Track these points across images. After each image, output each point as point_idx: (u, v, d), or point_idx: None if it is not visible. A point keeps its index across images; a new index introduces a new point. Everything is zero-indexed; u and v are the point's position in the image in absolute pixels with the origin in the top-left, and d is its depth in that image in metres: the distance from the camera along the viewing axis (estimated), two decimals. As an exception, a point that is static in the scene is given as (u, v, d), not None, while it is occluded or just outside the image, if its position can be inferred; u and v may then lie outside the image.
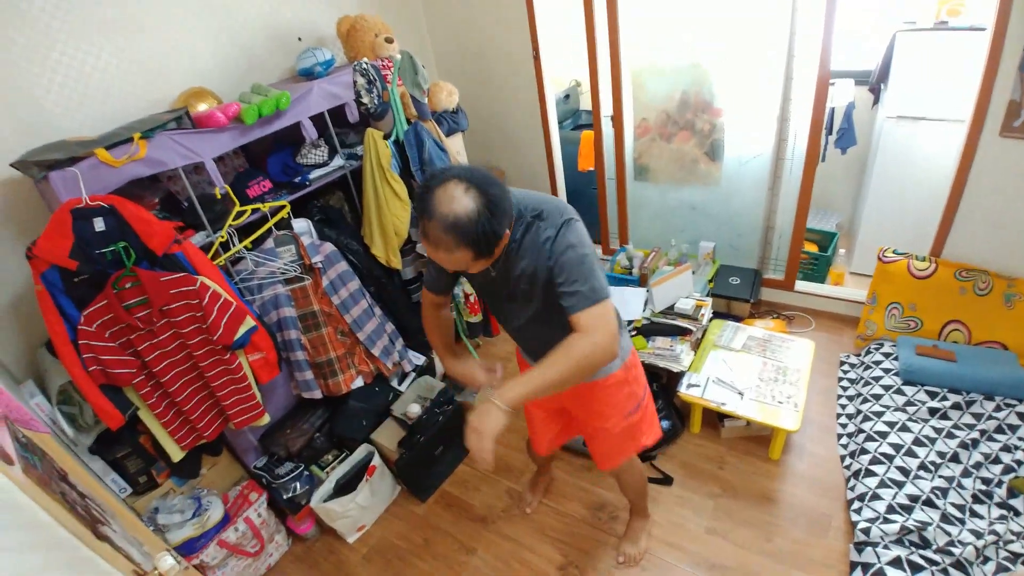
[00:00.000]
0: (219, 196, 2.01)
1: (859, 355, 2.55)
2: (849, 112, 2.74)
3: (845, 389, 2.43)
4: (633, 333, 2.65)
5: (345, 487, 2.29)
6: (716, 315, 2.82)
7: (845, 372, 2.51)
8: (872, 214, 2.90)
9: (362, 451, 2.41)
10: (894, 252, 2.42)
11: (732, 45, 2.53)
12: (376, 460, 2.37)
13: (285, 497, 2.21)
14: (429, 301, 1.59)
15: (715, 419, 2.45)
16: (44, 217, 1.71)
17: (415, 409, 2.48)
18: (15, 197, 1.82)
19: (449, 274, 1.47)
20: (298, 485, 2.25)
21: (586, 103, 3.11)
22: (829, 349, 2.70)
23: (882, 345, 2.45)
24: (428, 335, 1.65)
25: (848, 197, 3.35)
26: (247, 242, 2.12)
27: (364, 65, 2.19)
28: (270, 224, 2.16)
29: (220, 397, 1.99)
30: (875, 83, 2.78)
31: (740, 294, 2.84)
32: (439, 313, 1.63)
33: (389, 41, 2.40)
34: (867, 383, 2.30)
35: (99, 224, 1.67)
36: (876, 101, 2.85)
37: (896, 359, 2.30)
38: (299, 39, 2.59)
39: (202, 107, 2.10)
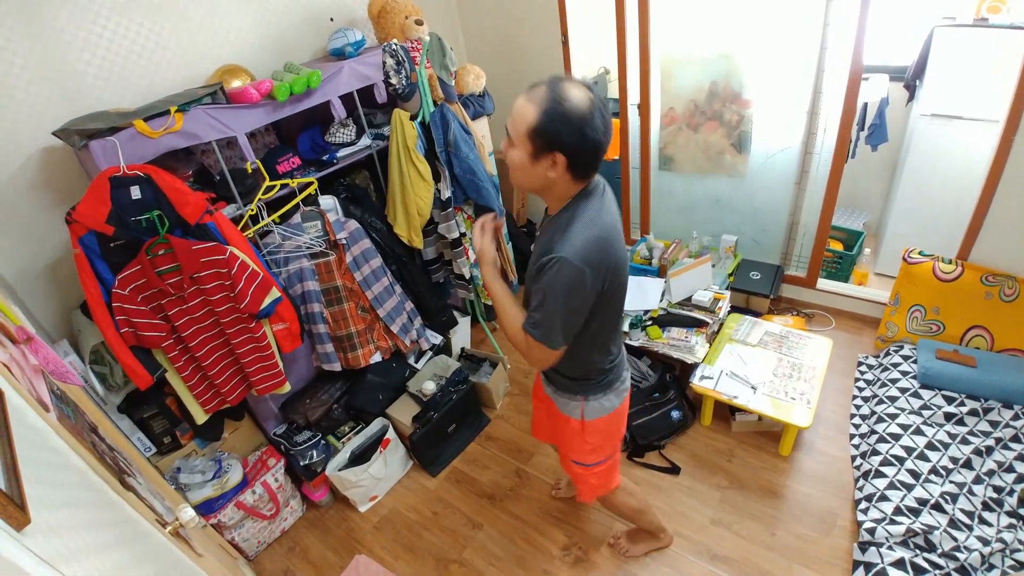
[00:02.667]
0: (250, 171, 2.07)
1: (878, 356, 2.52)
2: (882, 108, 2.68)
3: (861, 390, 2.41)
4: (649, 323, 2.67)
5: (360, 458, 2.37)
6: (734, 309, 2.81)
7: (863, 373, 2.49)
8: (900, 214, 2.84)
9: (377, 424, 2.48)
10: (920, 254, 2.38)
11: (764, 35, 2.48)
12: (391, 434, 2.43)
13: (302, 463, 2.29)
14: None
15: (726, 412, 2.46)
16: (83, 184, 1.78)
17: (430, 386, 2.53)
18: (55, 165, 1.90)
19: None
20: (315, 453, 2.33)
21: (614, 91, 3.08)
22: (848, 349, 2.67)
23: (902, 347, 2.42)
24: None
25: (877, 196, 3.28)
26: (275, 216, 2.19)
27: (394, 46, 2.21)
28: (298, 200, 2.21)
29: (244, 364, 2.06)
30: (911, 79, 2.71)
31: (760, 289, 2.82)
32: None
33: (419, 23, 2.42)
34: (884, 384, 2.28)
35: (135, 192, 1.74)
36: (911, 98, 2.77)
37: (915, 362, 2.27)
38: (331, 19, 2.62)
39: (236, 83, 2.15)
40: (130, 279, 1.78)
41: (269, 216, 2.16)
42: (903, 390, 2.19)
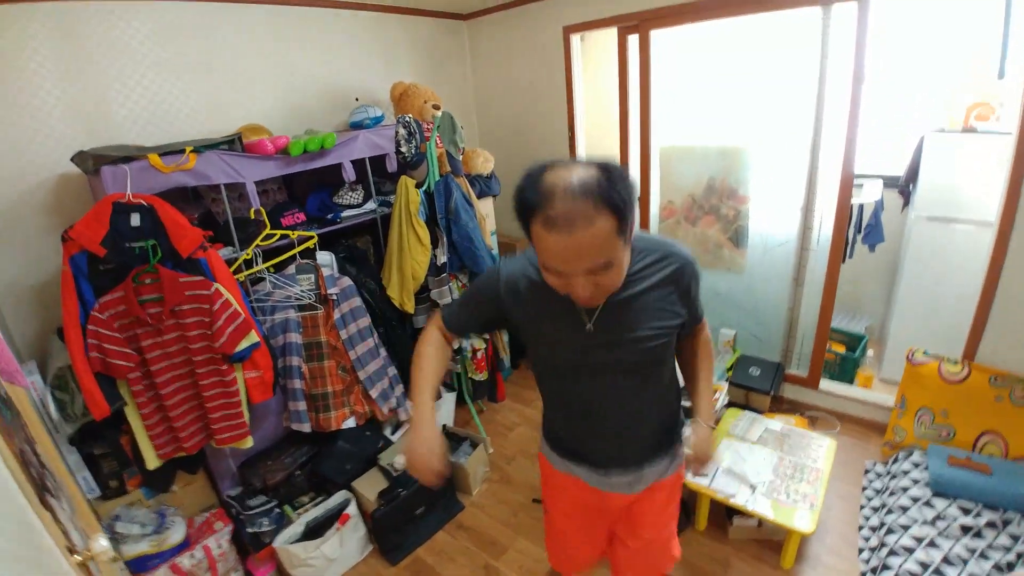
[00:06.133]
0: (252, 215, 2.13)
1: (886, 464, 2.33)
2: (877, 210, 2.74)
3: (869, 499, 2.19)
4: (641, 412, 2.53)
5: (314, 532, 2.15)
6: (732, 405, 2.67)
7: (870, 481, 2.29)
8: (903, 318, 2.79)
9: (339, 497, 2.29)
10: (924, 353, 2.29)
11: (760, 134, 2.63)
12: (352, 509, 2.23)
13: (250, 530, 2.09)
14: (439, 329, 1.27)
15: (723, 516, 2.24)
16: (89, 210, 1.84)
17: (402, 461, 2.36)
18: (66, 192, 1.99)
19: (485, 313, 1.21)
20: (266, 521, 2.13)
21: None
22: (853, 454, 2.48)
23: (911, 453, 2.24)
24: (416, 363, 1.22)
25: (878, 301, 3.25)
26: (270, 264, 2.21)
27: (407, 118, 2.37)
28: (295, 251, 2.25)
29: (209, 409, 1.97)
30: (904, 185, 2.80)
31: (760, 386, 2.70)
32: (443, 344, 1.28)
33: (436, 108, 2.62)
34: (893, 493, 2.08)
35: (135, 219, 1.78)
36: (906, 204, 2.85)
37: (926, 469, 2.08)
38: (356, 99, 2.86)
39: (255, 139, 2.29)
40: (111, 304, 1.77)
41: (265, 264, 2.19)
42: (915, 499, 1.98)
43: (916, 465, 2.15)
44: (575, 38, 3.00)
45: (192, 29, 2.22)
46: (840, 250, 2.52)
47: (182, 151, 1.90)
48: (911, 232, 2.74)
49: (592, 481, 1.26)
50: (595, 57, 3.38)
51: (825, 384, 2.78)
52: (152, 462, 1.92)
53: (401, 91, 2.69)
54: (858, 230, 2.69)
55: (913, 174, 2.67)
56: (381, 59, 2.99)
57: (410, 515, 2.33)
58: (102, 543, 1.18)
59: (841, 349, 2.96)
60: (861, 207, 2.67)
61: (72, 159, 1.78)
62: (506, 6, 3.17)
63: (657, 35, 2.68)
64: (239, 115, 2.40)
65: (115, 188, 1.76)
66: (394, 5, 2.95)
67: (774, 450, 2.29)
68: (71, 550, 1.14)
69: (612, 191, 0.87)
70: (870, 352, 3.00)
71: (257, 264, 2.17)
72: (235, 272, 2.06)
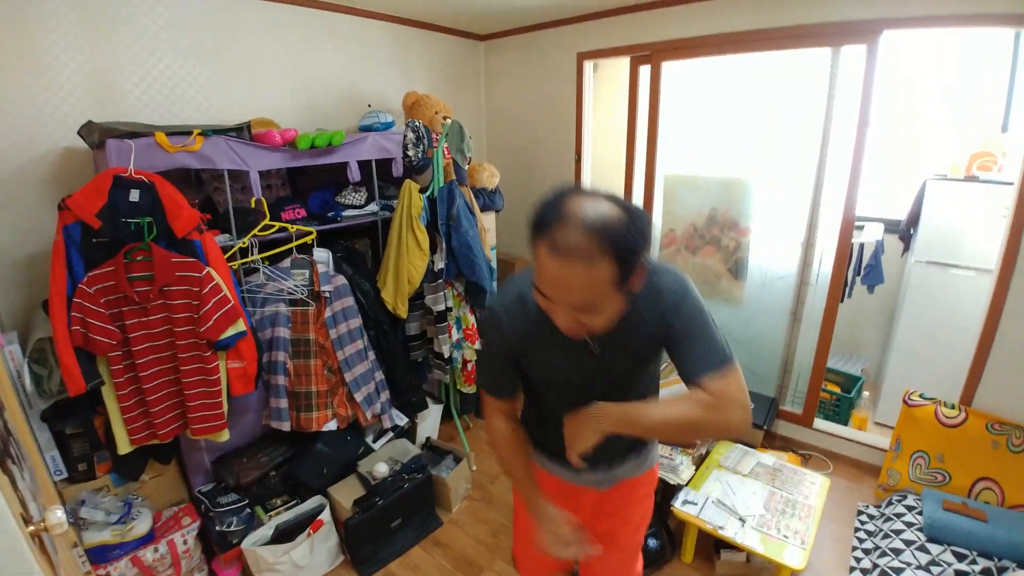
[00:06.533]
0: (253, 204, 2.12)
1: (879, 506, 2.26)
2: (877, 251, 2.75)
3: (862, 541, 2.12)
4: (631, 437, 2.47)
5: (284, 536, 2.06)
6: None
7: (863, 523, 2.22)
8: (900, 360, 2.76)
9: (313, 502, 2.20)
10: (921, 396, 2.25)
11: (764, 168, 2.66)
12: (326, 516, 2.15)
13: (218, 528, 2.00)
14: (499, 411, 1.20)
15: (711, 549, 2.16)
16: (90, 185, 1.82)
17: (382, 469, 2.30)
18: (69, 166, 1.97)
19: (512, 365, 1.14)
20: (236, 520, 2.04)
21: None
22: (846, 495, 2.42)
23: (905, 497, 2.17)
24: (506, 461, 1.20)
25: (875, 344, 3.23)
26: (265, 255, 2.18)
27: (417, 123, 2.39)
28: (292, 245, 2.23)
29: (187, 397, 1.91)
30: (905, 231, 2.82)
31: (754, 419, 2.64)
32: (516, 427, 1.22)
33: (447, 119, 2.64)
34: (887, 536, 2.01)
35: (134, 195, 1.76)
36: (906, 249, 2.86)
37: (920, 513, 2.02)
38: (368, 105, 2.89)
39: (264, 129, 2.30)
40: (100, 279, 1.73)
41: (260, 255, 2.16)
42: (908, 543, 1.92)
43: (910, 509, 2.09)
44: (588, 65, 3.06)
45: (212, 20, 2.25)
46: (839, 288, 2.51)
47: (189, 133, 1.91)
48: (910, 276, 2.74)
49: (564, 476, 1.28)
50: (605, 84, 3.44)
51: (819, 423, 2.73)
52: (124, 447, 1.85)
53: (413, 100, 2.72)
54: (857, 271, 2.69)
55: (914, 219, 2.70)
56: (397, 69, 3.04)
57: (385, 527, 2.24)
58: (58, 515, 1.11)
59: (836, 389, 2.92)
60: (862, 247, 2.68)
61: (79, 130, 1.77)
62: (523, 30, 3.24)
63: (668, 66, 2.74)
64: (251, 108, 2.41)
65: (118, 162, 1.74)
66: (414, 19, 3.02)
67: (766, 484, 2.23)
68: (26, 520, 1.08)
69: (624, 237, 0.83)
70: (866, 394, 2.96)
71: (253, 254, 2.15)
72: (229, 260, 2.03)
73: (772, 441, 2.82)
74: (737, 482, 2.25)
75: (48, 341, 1.77)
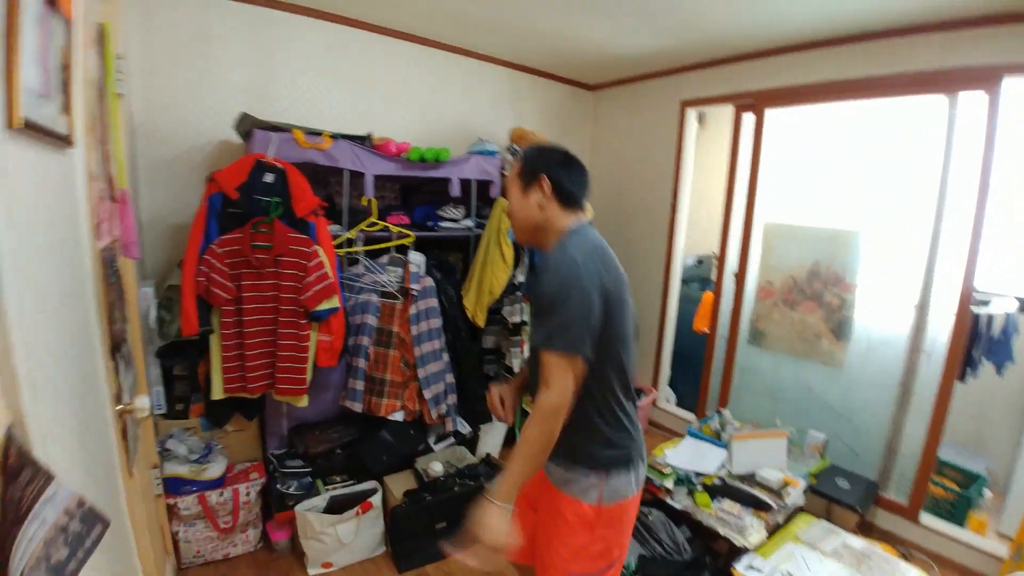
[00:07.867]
0: (364, 203, 2.39)
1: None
2: (1008, 327, 2.37)
3: (973, 659, 1.73)
4: (699, 488, 2.28)
5: (335, 510, 2.14)
6: (806, 510, 2.31)
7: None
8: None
9: (368, 485, 2.28)
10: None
11: (874, 220, 2.47)
12: (376, 500, 2.21)
13: (279, 488, 2.13)
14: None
15: (773, 628, 1.88)
16: (234, 172, 2.18)
17: (437, 468, 2.33)
18: (220, 156, 2.39)
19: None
20: (296, 484, 2.17)
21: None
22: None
23: (1034, 614, 1.75)
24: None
25: (1005, 442, 2.69)
26: (367, 248, 2.42)
27: (517, 148, 2.58)
28: (392, 244, 2.45)
29: (279, 358, 2.11)
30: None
31: (847, 500, 2.32)
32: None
33: (547, 152, 2.82)
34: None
35: (269, 177, 2.08)
36: (1050, 329, 2.44)
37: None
38: (480, 139, 3.16)
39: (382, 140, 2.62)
40: (228, 243, 2.03)
41: (363, 247, 2.41)
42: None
43: (1040, 628, 1.68)
44: (691, 113, 3.12)
45: (353, 51, 2.67)
46: (956, 361, 2.20)
47: (320, 134, 2.23)
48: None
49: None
50: (709, 142, 3.46)
51: (927, 519, 2.32)
52: (218, 393, 2.07)
53: (520, 135, 2.94)
54: (985, 352, 2.33)
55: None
56: (510, 110, 3.31)
57: (430, 526, 2.24)
58: (144, 401, 1.30)
59: (953, 486, 2.47)
60: (990, 319, 2.33)
61: (235, 121, 2.16)
62: (630, 80, 3.40)
63: (772, 113, 2.71)
64: (376, 127, 2.76)
65: (261, 149, 2.08)
66: (529, 66, 3.31)
67: (850, 569, 1.92)
68: (117, 399, 1.26)
69: (532, 157, 1.37)
70: (988, 494, 2.48)
71: (357, 246, 2.40)
72: (336, 247, 2.28)
73: (868, 532, 2.43)
74: (815, 559, 1.97)
75: (176, 289, 2.08)
